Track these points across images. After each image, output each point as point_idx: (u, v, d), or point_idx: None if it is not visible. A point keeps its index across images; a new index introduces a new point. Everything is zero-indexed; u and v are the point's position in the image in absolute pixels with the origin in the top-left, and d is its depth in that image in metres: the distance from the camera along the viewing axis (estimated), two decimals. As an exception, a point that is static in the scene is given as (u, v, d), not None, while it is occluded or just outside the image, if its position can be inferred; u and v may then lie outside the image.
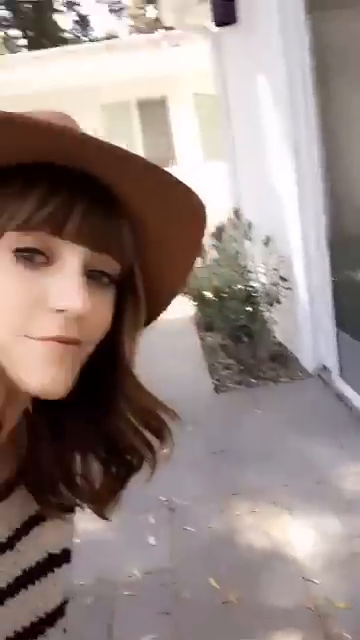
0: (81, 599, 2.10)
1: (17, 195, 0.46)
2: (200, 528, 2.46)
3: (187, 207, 0.52)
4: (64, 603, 0.62)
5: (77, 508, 0.61)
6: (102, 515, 0.59)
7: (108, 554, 2.37)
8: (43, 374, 0.46)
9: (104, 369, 0.54)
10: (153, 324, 0.62)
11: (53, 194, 0.46)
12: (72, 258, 0.47)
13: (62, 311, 0.46)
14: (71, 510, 0.61)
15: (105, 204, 0.49)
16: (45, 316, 0.46)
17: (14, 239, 0.46)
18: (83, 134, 0.44)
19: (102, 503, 0.58)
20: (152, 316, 0.61)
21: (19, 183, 0.46)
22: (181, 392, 3.65)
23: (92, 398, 0.55)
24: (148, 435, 0.55)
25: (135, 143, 9.05)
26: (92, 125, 8.29)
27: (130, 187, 0.49)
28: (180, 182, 0.49)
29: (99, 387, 0.55)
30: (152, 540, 2.43)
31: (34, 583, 0.57)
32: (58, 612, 0.60)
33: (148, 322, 0.60)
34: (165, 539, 2.44)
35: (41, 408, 0.56)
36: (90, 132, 0.44)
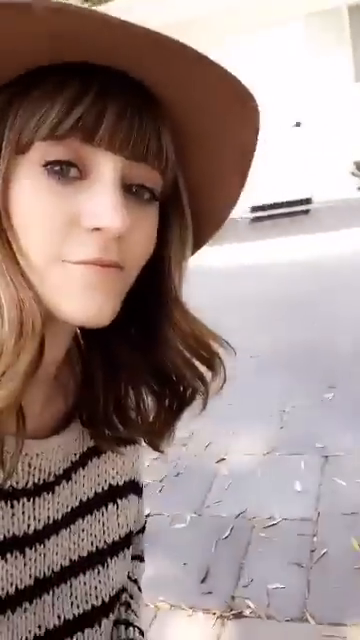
0: (219, 531, 2.12)
1: (44, 100, 0.41)
2: (350, 482, 2.26)
3: (237, 104, 0.46)
4: (129, 534, 0.62)
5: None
6: (157, 448, 0.58)
7: (253, 492, 2.34)
8: (83, 301, 0.43)
9: (151, 297, 0.51)
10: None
11: (83, 95, 0.41)
12: (107, 169, 0.43)
13: (99, 230, 0.42)
14: (128, 443, 0.61)
15: (142, 105, 0.43)
16: (82, 237, 0.42)
17: (43, 150, 0.41)
18: (105, 14, 0.38)
19: (156, 436, 0.57)
20: (202, 239, 0.56)
21: (48, 86, 0.41)
22: None
23: (140, 328, 0.53)
24: (200, 366, 0.53)
25: (343, 56, 8.10)
26: (294, 35, 7.60)
27: (168, 79, 0.43)
28: (228, 74, 0.43)
29: (147, 316, 0.52)
30: (298, 486, 2.32)
31: (92, 514, 0.57)
32: (122, 543, 0.60)
33: (198, 246, 0.56)
34: (312, 488, 2.30)
35: (92, 340, 0.56)
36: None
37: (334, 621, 1.67)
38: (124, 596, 0.68)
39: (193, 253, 0.55)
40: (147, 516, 2.21)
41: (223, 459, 2.59)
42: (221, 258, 6.84)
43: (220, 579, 1.90)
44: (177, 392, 0.55)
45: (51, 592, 0.54)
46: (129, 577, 0.72)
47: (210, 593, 1.84)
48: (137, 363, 0.55)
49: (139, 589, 0.74)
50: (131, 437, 0.59)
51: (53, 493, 0.53)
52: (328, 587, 1.80)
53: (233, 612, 1.75)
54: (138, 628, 0.66)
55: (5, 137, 0.42)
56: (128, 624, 0.65)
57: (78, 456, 0.57)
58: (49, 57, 0.41)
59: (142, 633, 0.67)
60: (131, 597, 0.71)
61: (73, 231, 0.42)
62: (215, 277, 6.00)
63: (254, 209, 9.27)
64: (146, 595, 1.82)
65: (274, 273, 5.72)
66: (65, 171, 0.42)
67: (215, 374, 0.54)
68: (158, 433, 0.57)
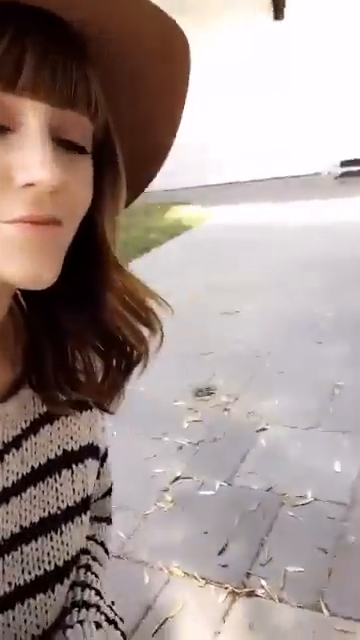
0: (246, 504, 2.06)
1: None
2: (394, 471, 2.11)
3: (166, 40, 0.43)
4: (86, 499, 0.61)
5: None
6: (107, 410, 0.58)
7: (289, 467, 2.25)
8: (21, 262, 0.41)
9: (85, 256, 0.49)
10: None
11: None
12: (32, 119, 0.40)
13: (32, 186, 0.39)
14: (82, 407, 0.60)
15: (65, 46, 0.40)
16: (14, 194, 0.39)
17: None
18: None
19: (105, 397, 0.57)
20: (136, 191, 0.54)
21: None
22: None
23: (78, 289, 0.51)
24: (139, 326, 0.52)
25: None
26: None
27: (91, 15, 0.40)
28: (157, 7, 0.40)
29: (83, 276, 0.51)
30: (338, 467, 2.20)
31: (44, 480, 0.57)
32: (77, 508, 0.59)
33: (131, 199, 0.54)
34: (352, 470, 2.17)
35: (34, 304, 0.56)
36: None
37: (349, 615, 1.58)
38: (85, 558, 0.67)
39: (127, 206, 0.52)
40: (177, 479, 2.26)
41: (264, 429, 2.51)
42: (303, 215, 6.54)
43: (238, 554, 1.85)
44: (123, 352, 0.54)
45: (1, 559, 0.53)
46: (95, 539, 0.71)
47: (225, 566, 1.80)
48: (80, 325, 0.53)
49: (106, 551, 0.73)
50: (82, 400, 0.58)
51: (2, 461, 0.52)
52: (350, 578, 1.71)
53: (246, 590, 1.71)
54: (95, 590, 0.64)
55: None
56: (85, 585, 0.63)
57: (29, 423, 0.56)
58: None
59: (100, 595, 0.64)
60: (94, 559, 0.68)
61: (5, 188, 0.39)
62: (296, 234, 5.75)
63: (344, 164, 8.74)
64: (160, 558, 1.83)
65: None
66: None
67: (153, 332, 0.53)
68: (107, 394, 0.57)
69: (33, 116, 0.40)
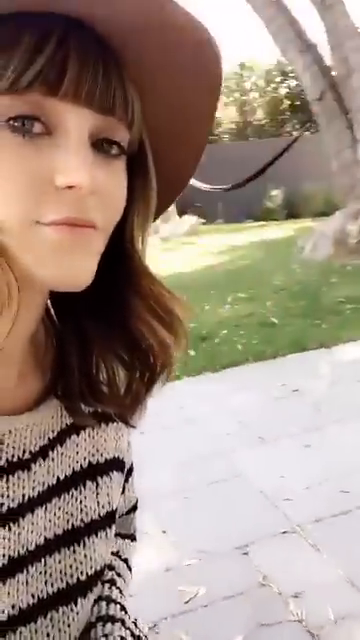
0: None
1: (1, 52, 0.39)
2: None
3: (201, 59, 0.44)
4: (111, 513, 0.60)
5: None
6: (127, 422, 0.58)
7: None
8: (59, 264, 0.42)
9: (113, 263, 0.50)
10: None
11: (43, 44, 0.39)
12: (73, 123, 0.41)
13: (71, 188, 0.40)
14: (108, 419, 0.60)
15: (104, 54, 0.42)
16: (54, 196, 0.41)
17: (5, 106, 0.39)
18: None
19: (128, 410, 0.57)
20: (164, 203, 0.56)
21: (2, 37, 0.39)
22: None
23: (105, 296, 0.52)
24: (164, 334, 0.52)
25: None
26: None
27: (129, 30, 0.41)
28: (194, 20, 0.41)
29: (110, 284, 0.51)
30: None
31: (69, 492, 0.56)
32: (102, 522, 0.59)
33: (159, 211, 0.55)
34: None
35: (63, 313, 0.56)
36: None
37: None
38: (110, 574, 0.67)
39: (155, 219, 0.54)
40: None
41: None
42: None
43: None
44: (147, 363, 0.54)
45: (25, 571, 0.52)
46: (119, 556, 0.70)
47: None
48: (107, 333, 0.54)
49: (129, 569, 0.72)
50: (105, 412, 0.58)
51: (29, 471, 0.52)
52: None
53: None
54: (120, 605, 0.64)
55: None
56: (110, 600, 0.63)
57: (56, 433, 0.56)
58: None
59: (125, 610, 0.64)
60: (118, 575, 0.68)
61: (45, 190, 0.41)
62: None
63: None
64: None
65: None
66: (29, 127, 0.40)
67: (177, 339, 0.53)
68: (129, 407, 0.56)
69: (74, 121, 0.41)
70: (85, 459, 0.59)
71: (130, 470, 0.70)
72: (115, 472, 0.62)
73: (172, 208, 11.46)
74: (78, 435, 0.58)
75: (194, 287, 6.19)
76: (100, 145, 0.44)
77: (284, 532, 2.12)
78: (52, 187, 0.40)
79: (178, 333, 0.53)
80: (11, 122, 0.40)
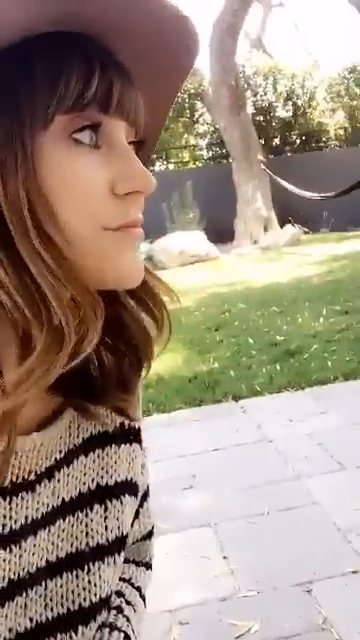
0: None
1: (55, 73, 0.42)
2: None
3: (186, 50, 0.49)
4: (121, 539, 0.58)
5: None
6: (129, 416, 0.58)
7: None
8: (129, 263, 0.46)
9: None
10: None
11: (92, 67, 0.43)
12: (121, 136, 0.46)
13: (132, 193, 0.45)
14: (119, 438, 0.60)
15: (126, 72, 0.47)
16: (118, 202, 0.45)
17: (65, 123, 0.43)
18: None
19: (125, 401, 0.56)
20: None
21: (48, 59, 0.42)
22: None
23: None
24: (147, 319, 0.54)
25: None
26: None
27: (136, 43, 0.47)
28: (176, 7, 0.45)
29: None
30: None
31: (74, 514, 0.55)
32: (109, 547, 0.57)
33: None
34: None
35: None
36: None
37: None
38: (118, 600, 0.64)
39: None
40: None
41: None
42: None
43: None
44: (132, 348, 0.54)
45: (24, 594, 0.51)
46: (131, 583, 0.68)
47: None
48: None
49: (142, 598, 0.68)
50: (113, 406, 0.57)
51: (33, 492, 0.51)
52: None
53: None
54: (125, 634, 0.60)
55: (24, 115, 0.42)
56: (114, 628, 0.60)
57: (63, 454, 0.54)
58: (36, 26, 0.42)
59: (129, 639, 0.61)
60: (127, 603, 0.65)
61: (108, 197, 0.44)
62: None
63: None
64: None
65: None
66: (91, 139, 0.44)
67: (161, 327, 0.53)
68: (126, 398, 0.56)
69: (121, 133, 0.46)
70: (93, 481, 0.57)
71: (145, 494, 0.67)
72: (127, 496, 0.60)
73: (273, 217, 11.31)
74: (86, 456, 0.57)
75: (289, 298, 6.01)
76: None
77: (354, 572, 1.95)
78: (115, 193, 0.45)
79: (162, 318, 0.53)
80: (75, 135, 0.43)
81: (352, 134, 15.50)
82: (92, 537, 0.56)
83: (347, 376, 3.82)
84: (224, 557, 2.12)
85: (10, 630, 0.50)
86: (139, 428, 0.63)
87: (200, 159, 16.30)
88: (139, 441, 0.63)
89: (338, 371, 3.89)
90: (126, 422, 0.61)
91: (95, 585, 0.55)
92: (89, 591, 0.55)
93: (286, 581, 1.94)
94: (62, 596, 0.54)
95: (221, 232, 10.87)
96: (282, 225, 11.17)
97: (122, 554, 0.59)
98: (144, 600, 0.69)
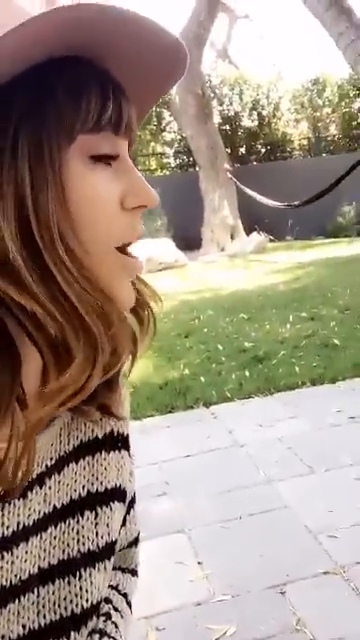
0: None
1: (76, 95, 0.44)
2: None
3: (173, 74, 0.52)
4: (111, 545, 0.59)
5: None
6: (114, 414, 0.58)
7: None
8: (129, 289, 0.48)
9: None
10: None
11: (107, 90, 0.46)
12: (126, 154, 0.49)
13: (137, 208, 0.47)
14: (109, 445, 0.60)
15: (121, 90, 0.48)
16: (126, 218, 0.47)
17: (85, 142, 0.45)
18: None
19: (110, 400, 0.57)
20: None
21: (68, 82, 0.44)
22: None
23: None
24: (132, 321, 0.54)
25: None
26: None
27: (133, 63, 0.48)
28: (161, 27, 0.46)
29: None
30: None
31: (66, 521, 0.55)
32: (100, 554, 0.57)
33: None
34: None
35: None
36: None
37: None
38: (107, 607, 0.64)
39: None
40: None
41: None
42: None
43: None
44: (116, 349, 0.54)
45: (17, 601, 0.51)
46: (118, 590, 0.68)
47: None
48: None
49: (129, 604, 0.69)
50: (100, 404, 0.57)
51: (25, 499, 0.52)
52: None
53: None
54: (114, 639, 0.61)
55: (52, 132, 0.43)
56: (103, 634, 0.60)
57: (54, 460, 0.55)
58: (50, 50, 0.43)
59: None
60: (115, 609, 0.66)
61: (120, 211, 0.47)
62: None
63: None
64: None
65: None
66: (106, 160, 0.46)
67: (145, 330, 0.55)
68: (111, 396, 0.57)
69: (126, 151, 0.49)
70: (84, 487, 0.57)
71: (132, 501, 0.68)
72: (116, 502, 0.60)
73: (239, 225, 11.44)
74: (77, 463, 0.57)
75: (256, 305, 6.09)
76: None
77: (325, 572, 1.99)
78: (122, 208, 0.47)
79: (147, 319, 0.55)
80: (95, 155, 0.46)
81: (315, 144, 15.85)
82: (83, 543, 0.56)
83: (314, 381, 3.91)
84: (199, 562, 2.14)
85: (2, 637, 0.50)
86: (127, 435, 0.64)
87: (167, 167, 16.37)
88: (127, 448, 0.64)
89: (305, 376, 3.97)
90: (115, 429, 0.62)
91: (87, 591, 0.56)
92: (81, 597, 0.56)
93: (260, 584, 1.97)
94: (54, 602, 0.54)
95: (189, 239, 10.95)
96: (248, 233, 11.31)
97: (112, 560, 0.60)
98: (130, 607, 0.69)
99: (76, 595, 0.55)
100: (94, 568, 0.57)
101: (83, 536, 0.56)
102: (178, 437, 3.27)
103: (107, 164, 0.47)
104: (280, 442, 3.07)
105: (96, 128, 0.45)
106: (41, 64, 0.44)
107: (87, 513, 0.57)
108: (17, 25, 0.39)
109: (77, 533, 0.56)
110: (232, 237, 11.32)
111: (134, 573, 0.73)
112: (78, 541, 0.56)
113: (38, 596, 0.53)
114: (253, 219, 11.44)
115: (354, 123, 15.77)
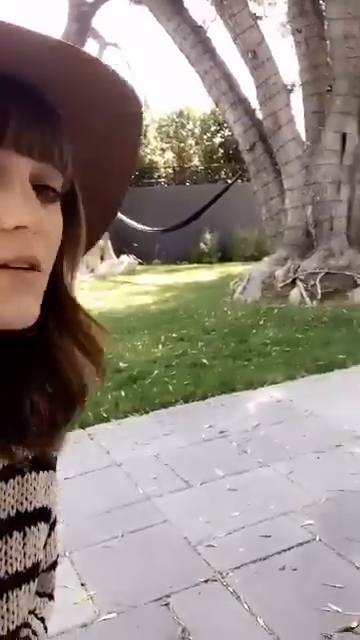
0: None
1: None
2: None
3: (124, 104, 0.51)
4: (36, 566, 0.58)
5: None
6: (51, 448, 0.58)
7: None
8: (11, 302, 0.46)
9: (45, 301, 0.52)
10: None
11: (5, 106, 0.44)
12: (16, 170, 0.46)
13: (18, 229, 0.45)
14: (40, 465, 0.60)
15: (42, 111, 0.48)
16: (4, 236, 0.45)
17: None
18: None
19: (52, 443, 0.56)
20: (96, 233, 0.61)
21: None
22: None
23: (30, 327, 0.52)
24: (86, 364, 0.55)
25: None
26: None
27: (64, 84, 0.47)
28: (117, 74, 0.48)
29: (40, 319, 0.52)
30: None
31: None
32: (26, 575, 0.57)
33: (92, 242, 0.60)
34: None
35: None
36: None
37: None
38: (27, 631, 0.62)
39: (86, 251, 0.58)
40: None
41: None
42: None
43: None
44: (68, 392, 0.54)
45: None
46: (36, 615, 0.66)
47: None
48: (27, 364, 0.54)
49: (45, 629, 0.68)
50: (37, 445, 0.56)
51: None
52: None
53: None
54: None
55: None
56: None
57: None
58: None
59: None
60: (34, 634, 0.64)
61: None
62: None
63: None
64: None
65: None
66: None
67: (98, 369, 0.55)
68: (53, 440, 0.56)
69: (16, 167, 0.46)
70: (13, 507, 0.56)
71: (54, 523, 0.67)
72: (43, 523, 0.60)
73: (109, 247, 11.52)
74: (6, 483, 0.56)
75: (128, 326, 6.18)
76: (39, 190, 0.48)
77: (206, 581, 2.09)
78: (2, 229, 0.44)
79: (100, 364, 0.55)
80: None
81: (179, 174, 16.57)
82: (11, 565, 0.56)
83: (186, 398, 4.07)
84: (82, 584, 2.12)
85: None
86: (56, 456, 0.64)
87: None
88: (54, 469, 0.64)
89: (178, 394, 4.11)
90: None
91: (13, 613, 0.55)
92: (7, 619, 0.55)
93: (144, 598, 2.01)
94: None
95: (57, 260, 10.77)
96: (118, 255, 11.44)
97: (36, 581, 0.60)
98: (46, 631, 0.69)
99: (2, 617, 0.55)
100: (20, 589, 0.56)
101: (11, 557, 0.56)
102: (54, 460, 3.20)
103: None
104: (157, 459, 3.14)
105: None
106: None
107: (15, 534, 0.56)
108: None
109: (5, 554, 0.55)
110: (102, 258, 11.37)
111: (51, 597, 0.71)
112: (6, 562, 0.55)
113: None
114: (122, 242, 11.61)
115: (214, 156, 16.77)
